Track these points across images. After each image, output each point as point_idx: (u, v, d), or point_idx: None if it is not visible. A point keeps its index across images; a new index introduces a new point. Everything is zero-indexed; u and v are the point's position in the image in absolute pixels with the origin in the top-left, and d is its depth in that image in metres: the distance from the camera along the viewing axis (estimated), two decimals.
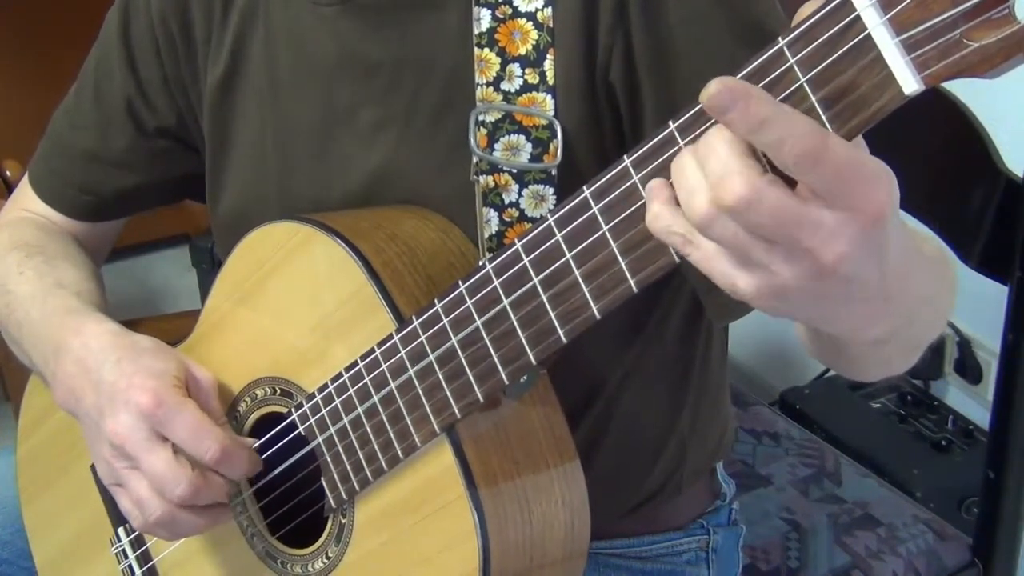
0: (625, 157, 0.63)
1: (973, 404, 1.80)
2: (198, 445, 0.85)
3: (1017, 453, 1.17)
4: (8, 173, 1.84)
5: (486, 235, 0.85)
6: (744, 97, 0.53)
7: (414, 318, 0.79)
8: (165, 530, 0.90)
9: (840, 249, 0.55)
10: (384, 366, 0.81)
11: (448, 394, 0.78)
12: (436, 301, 0.77)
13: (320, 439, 0.86)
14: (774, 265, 0.57)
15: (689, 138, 0.60)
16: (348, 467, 0.85)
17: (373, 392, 0.82)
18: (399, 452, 0.82)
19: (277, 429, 0.89)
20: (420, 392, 0.79)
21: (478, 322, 0.75)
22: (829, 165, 0.53)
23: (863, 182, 0.55)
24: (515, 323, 0.73)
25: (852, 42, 0.54)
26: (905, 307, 0.65)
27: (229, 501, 0.91)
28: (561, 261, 0.68)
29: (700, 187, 0.57)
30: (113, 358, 0.91)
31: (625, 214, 0.64)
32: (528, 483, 0.82)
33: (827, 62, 0.55)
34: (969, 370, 1.79)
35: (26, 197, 1.14)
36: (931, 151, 1.18)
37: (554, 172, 0.84)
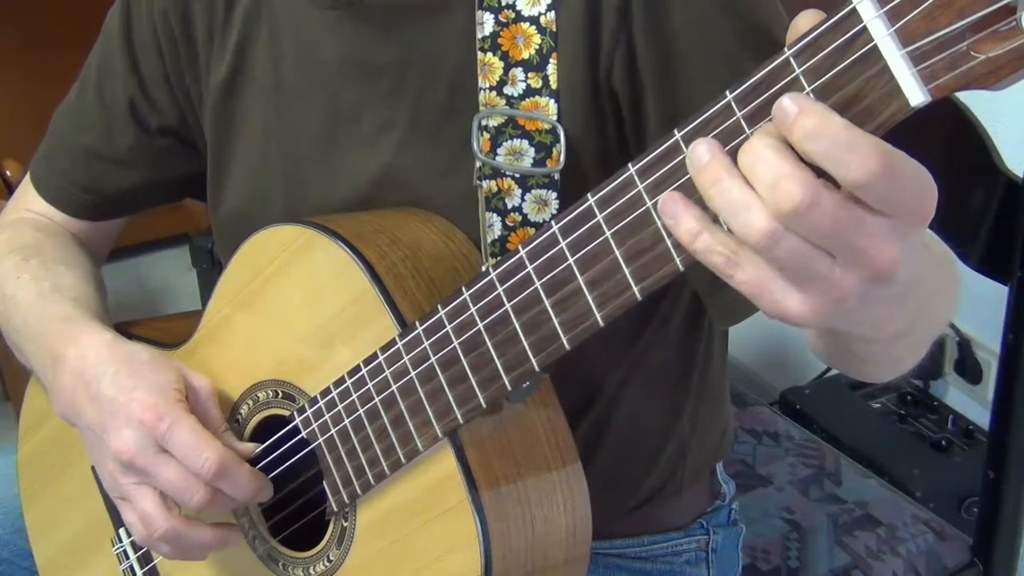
0: (630, 165, 0.63)
1: (973, 404, 1.80)
2: (196, 459, 0.85)
3: (1017, 453, 1.18)
4: (8, 173, 1.84)
5: (489, 240, 0.85)
6: (810, 112, 0.52)
7: (417, 323, 0.78)
8: (169, 546, 0.90)
9: (894, 252, 0.54)
10: (387, 371, 0.81)
11: (451, 399, 0.78)
12: (439, 307, 0.77)
13: (322, 442, 0.86)
14: (834, 276, 0.55)
15: None
16: (350, 470, 0.85)
17: (375, 396, 0.82)
18: (401, 456, 0.82)
19: (280, 433, 0.89)
20: (423, 397, 0.79)
21: (481, 327, 0.74)
22: (893, 179, 0.52)
23: (919, 192, 0.54)
24: (518, 330, 0.72)
25: (858, 53, 0.54)
26: (919, 302, 0.65)
27: (238, 525, 0.91)
28: (565, 268, 0.68)
29: (751, 202, 0.55)
30: (111, 371, 0.90)
31: (629, 222, 0.64)
32: (530, 487, 0.82)
33: (833, 72, 0.54)
34: (969, 370, 1.79)
35: (28, 197, 1.14)
36: (931, 151, 1.18)
37: (557, 177, 0.84)
